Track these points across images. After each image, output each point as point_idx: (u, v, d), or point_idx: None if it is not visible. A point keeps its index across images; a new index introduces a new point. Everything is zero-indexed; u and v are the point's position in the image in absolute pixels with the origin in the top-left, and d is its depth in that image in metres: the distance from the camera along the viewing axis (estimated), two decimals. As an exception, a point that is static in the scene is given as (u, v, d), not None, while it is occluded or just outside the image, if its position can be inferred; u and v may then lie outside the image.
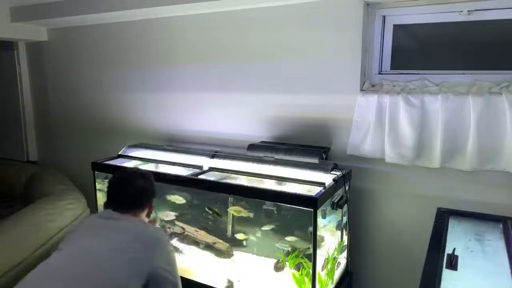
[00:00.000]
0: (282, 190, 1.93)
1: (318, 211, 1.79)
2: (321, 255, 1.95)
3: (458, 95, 1.92)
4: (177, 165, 2.39)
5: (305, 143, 2.34)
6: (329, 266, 2.01)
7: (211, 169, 2.27)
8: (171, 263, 1.60)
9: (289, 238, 2.05)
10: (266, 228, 2.10)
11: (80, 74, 3.34)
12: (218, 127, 2.69)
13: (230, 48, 2.56)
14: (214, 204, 2.26)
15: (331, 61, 2.23)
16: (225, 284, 2.14)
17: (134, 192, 1.71)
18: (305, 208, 1.81)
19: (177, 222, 2.43)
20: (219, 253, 2.28)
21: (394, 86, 2.14)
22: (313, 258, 1.83)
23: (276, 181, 2.06)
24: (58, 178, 3.19)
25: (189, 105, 2.79)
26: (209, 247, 2.33)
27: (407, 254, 2.18)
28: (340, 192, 2.05)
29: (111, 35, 3.08)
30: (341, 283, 2.13)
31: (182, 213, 2.41)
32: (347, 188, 2.07)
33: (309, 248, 1.91)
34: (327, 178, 1.94)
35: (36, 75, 3.65)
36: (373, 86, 2.22)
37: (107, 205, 1.69)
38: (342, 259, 2.21)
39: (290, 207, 1.91)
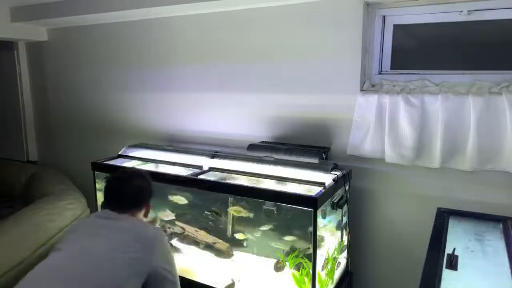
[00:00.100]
0: (282, 190, 1.93)
1: (318, 211, 1.79)
2: (321, 255, 1.95)
3: (458, 95, 1.92)
4: (177, 165, 2.39)
5: (305, 143, 2.34)
6: (329, 266, 2.01)
7: (211, 169, 2.27)
8: (170, 262, 1.61)
9: (287, 238, 2.05)
10: (265, 228, 2.11)
11: (80, 74, 3.34)
12: (218, 127, 2.69)
13: (230, 48, 2.56)
14: (214, 204, 2.27)
15: (331, 61, 2.23)
16: (229, 282, 2.14)
17: (131, 192, 1.71)
18: (305, 208, 1.81)
19: (177, 222, 2.43)
20: (219, 253, 2.29)
21: (394, 86, 2.14)
22: (313, 258, 1.83)
23: (276, 181, 2.06)
24: (58, 178, 3.19)
25: (189, 105, 2.79)
26: (209, 247, 2.33)
27: (407, 254, 2.18)
28: (340, 192, 2.05)
29: (111, 35, 3.08)
30: (341, 283, 2.13)
31: (184, 213, 2.41)
32: (347, 188, 2.07)
33: (309, 248, 1.91)
34: (327, 178, 1.94)
35: (36, 75, 3.65)
36: (373, 86, 2.22)
37: (105, 205, 1.69)
38: (342, 259, 2.21)
39: (290, 207, 1.91)
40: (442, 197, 2.05)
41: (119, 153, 2.64)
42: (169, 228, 2.46)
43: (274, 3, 2.32)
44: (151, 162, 2.53)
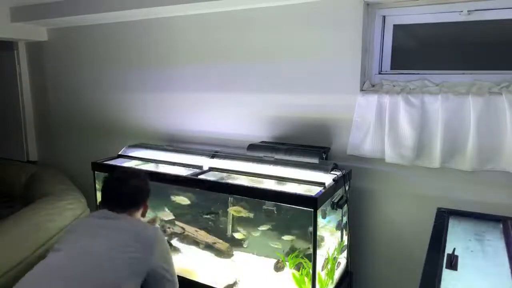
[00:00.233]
0: (282, 190, 1.93)
1: (318, 211, 1.79)
2: (321, 255, 1.95)
3: (458, 95, 1.92)
4: (177, 165, 2.39)
5: (305, 143, 2.34)
6: (329, 266, 2.01)
7: (211, 169, 2.27)
8: (169, 262, 1.62)
9: (285, 237, 2.05)
10: (263, 228, 2.11)
11: (80, 74, 3.34)
12: (218, 127, 2.69)
13: (230, 48, 2.56)
14: (214, 204, 2.27)
15: (331, 61, 2.23)
16: (230, 282, 2.14)
17: (129, 192, 1.71)
18: (305, 208, 1.81)
19: (177, 222, 2.43)
20: (219, 253, 2.29)
21: (394, 86, 2.14)
22: (313, 258, 1.83)
23: (276, 181, 2.06)
24: (58, 178, 3.19)
25: (189, 105, 2.79)
26: (209, 247, 2.33)
27: (407, 254, 2.18)
28: (340, 192, 2.05)
29: (111, 35, 3.08)
30: (341, 283, 2.13)
31: (186, 214, 2.40)
32: (347, 188, 2.07)
33: (309, 248, 1.91)
34: (327, 178, 1.94)
35: (36, 75, 3.65)
36: (373, 86, 2.22)
37: (102, 205, 1.69)
38: (342, 259, 2.21)
39: (290, 207, 1.91)
40: (442, 197, 2.05)
41: (119, 153, 2.64)
42: (169, 228, 2.46)
43: (274, 3, 2.32)
44: (151, 162, 2.53)
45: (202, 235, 2.35)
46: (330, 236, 2.09)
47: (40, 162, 3.80)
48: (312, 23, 2.26)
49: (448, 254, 1.41)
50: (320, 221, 1.94)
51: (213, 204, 2.27)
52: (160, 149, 2.60)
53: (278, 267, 2.09)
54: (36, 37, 3.39)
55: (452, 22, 2.05)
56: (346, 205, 2.09)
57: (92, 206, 2.67)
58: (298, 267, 2.00)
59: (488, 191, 1.97)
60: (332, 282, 2.06)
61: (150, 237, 1.57)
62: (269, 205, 2.01)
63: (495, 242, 1.55)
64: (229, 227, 2.29)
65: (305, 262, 1.94)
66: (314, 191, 1.86)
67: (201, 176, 2.17)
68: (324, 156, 2.18)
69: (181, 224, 2.43)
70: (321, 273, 1.93)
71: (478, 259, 1.42)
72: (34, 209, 2.55)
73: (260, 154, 2.24)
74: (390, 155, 2.08)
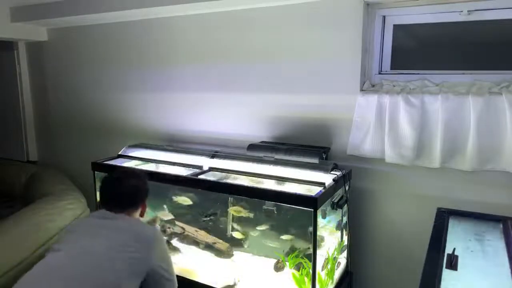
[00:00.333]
0: (282, 190, 1.93)
1: (318, 211, 1.79)
2: (321, 255, 1.95)
3: (458, 95, 1.92)
4: (177, 165, 2.39)
5: (305, 143, 2.34)
6: (329, 266, 2.01)
7: (211, 169, 2.27)
8: (168, 262, 1.62)
9: (284, 237, 2.05)
10: (262, 228, 2.11)
11: (80, 74, 3.34)
12: (218, 127, 2.69)
13: (230, 48, 2.56)
14: (215, 204, 2.27)
15: (331, 61, 2.23)
16: (231, 283, 2.14)
17: (127, 191, 1.71)
18: (305, 208, 1.81)
19: (177, 222, 2.43)
20: (219, 253, 2.29)
21: (394, 86, 2.14)
22: (313, 258, 1.83)
23: (276, 181, 2.06)
24: (58, 178, 3.19)
25: (189, 105, 2.79)
26: (209, 247, 2.33)
27: (407, 254, 2.18)
28: (340, 192, 2.05)
29: (111, 35, 3.08)
30: (341, 283, 2.13)
31: (187, 214, 2.40)
32: (347, 188, 2.07)
33: (309, 248, 1.92)
34: (327, 178, 1.94)
35: (36, 75, 3.65)
36: (373, 86, 2.22)
37: (101, 205, 1.70)
38: (342, 259, 2.21)
39: (290, 207, 1.91)
40: (442, 197, 2.05)
41: (119, 153, 2.64)
42: (169, 228, 2.46)
43: (274, 3, 2.32)
44: (151, 162, 2.53)
45: (202, 235, 2.35)
46: (330, 236, 2.09)
47: (40, 162, 3.80)
48: (312, 23, 2.26)
49: (448, 254, 1.41)
50: (320, 221, 1.94)
51: (214, 205, 2.27)
52: (160, 149, 2.60)
53: (278, 267, 2.09)
54: (36, 37, 3.39)
55: (452, 22, 2.05)
56: (346, 205, 2.09)
57: (92, 206, 2.67)
58: (298, 267, 2.00)
59: (488, 191, 1.97)
60: (332, 282, 2.06)
61: (149, 237, 1.57)
62: (269, 205, 2.01)
63: (495, 242, 1.55)
64: (229, 227, 2.29)
65: (305, 262, 1.94)
66: (314, 191, 1.86)
67: (201, 176, 2.17)
68: (324, 156, 2.18)
69: (181, 224, 2.43)
70: (321, 273, 1.93)
71: (478, 259, 1.42)
72: (34, 209, 2.55)
73: (260, 154, 2.24)
74: (390, 155, 2.08)
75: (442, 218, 1.75)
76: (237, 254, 2.26)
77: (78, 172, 3.35)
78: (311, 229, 1.83)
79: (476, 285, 1.27)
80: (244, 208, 2.13)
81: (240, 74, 2.55)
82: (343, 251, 2.21)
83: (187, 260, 2.33)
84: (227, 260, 2.26)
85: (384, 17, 2.20)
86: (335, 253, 2.09)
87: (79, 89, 3.36)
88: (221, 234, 2.31)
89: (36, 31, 3.37)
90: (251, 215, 2.13)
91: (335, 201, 2.01)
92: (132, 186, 1.72)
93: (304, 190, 1.94)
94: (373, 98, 2.11)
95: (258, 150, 2.27)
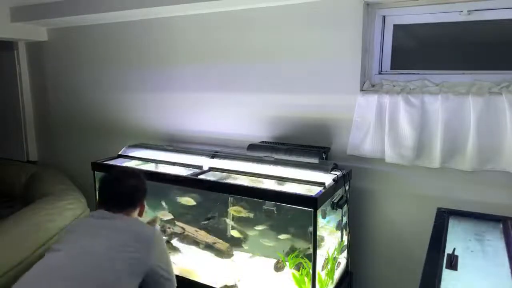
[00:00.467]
0: (282, 190, 1.93)
1: (318, 211, 1.79)
2: (321, 255, 1.95)
3: (458, 95, 1.92)
4: (177, 165, 2.39)
5: (305, 143, 2.34)
6: (329, 266, 2.02)
7: (211, 169, 2.27)
8: (167, 261, 1.62)
9: (282, 236, 2.05)
10: (262, 228, 2.10)
11: (80, 74, 3.34)
12: (218, 127, 2.69)
13: (230, 48, 2.56)
14: (216, 205, 2.26)
15: (331, 61, 2.23)
16: (231, 283, 2.14)
17: (126, 191, 1.70)
18: (305, 208, 1.81)
19: (177, 222, 2.43)
20: (219, 253, 2.29)
21: (394, 86, 2.14)
22: (313, 258, 1.83)
23: (276, 181, 2.06)
24: (58, 178, 3.19)
25: (189, 105, 2.79)
26: (209, 247, 2.33)
27: (407, 254, 2.18)
28: (340, 192, 2.05)
29: (111, 35, 3.08)
30: (341, 283, 2.13)
31: (188, 214, 2.40)
32: (347, 188, 2.07)
33: (309, 248, 1.91)
34: (327, 178, 1.94)
35: (36, 75, 3.65)
36: (373, 86, 2.22)
37: (99, 205, 1.69)
38: (342, 259, 2.21)
39: (290, 207, 1.91)
40: (442, 197, 2.05)
41: (119, 153, 2.64)
42: (169, 228, 2.46)
43: (274, 3, 2.32)
44: (151, 162, 2.53)
45: (202, 235, 2.35)
46: (330, 236, 2.09)
47: (40, 162, 3.80)
48: (312, 23, 2.26)
49: (448, 254, 1.41)
50: (320, 221, 1.94)
51: (216, 205, 2.27)
52: (160, 149, 2.60)
53: (278, 267, 2.09)
54: (36, 37, 3.39)
55: (452, 22, 2.05)
56: (346, 205, 2.09)
57: (92, 206, 2.67)
58: (298, 267, 2.00)
59: (488, 191, 1.97)
60: (332, 282, 2.06)
61: (149, 237, 1.57)
62: (269, 205, 2.01)
63: (495, 242, 1.55)
64: (229, 227, 2.29)
65: (305, 262, 1.94)
66: (314, 191, 1.86)
67: (201, 176, 2.17)
68: (324, 156, 2.18)
69: (181, 224, 2.43)
70: (321, 273, 1.93)
71: (478, 259, 1.42)
72: (34, 209, 2.55)
73: (260, 154, 2.24)
74: (390, 155, 2.08)
75: (442, 218, 1.75)
76: (237, 254, 2.26)
77: (78, 172, 3.35)
78: (311, 229, 1.83)
79: (476, 285, 1.27)
80: (244, 208, 2.13)
81: (240, 74, 2.55)
82: (343, 251, 2.21)
83: (187, 260, 2.33)
84: (227, 260, 2.25)
85: (384, 17, 2.20)
86: (335, 253, 2.09)
87: (79, 89, 3.36)
88: (221, 234, 2.31)
89: (36, 31, 3.37)
90: (251, 215, 2.13)
91: (335, 201, 2.01)
92: (131, 186, 1.72)
93: (304, 190, 1.94)
94: (373, 98, 2.11)
95: (258, 150, 2.27)
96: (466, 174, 1.98)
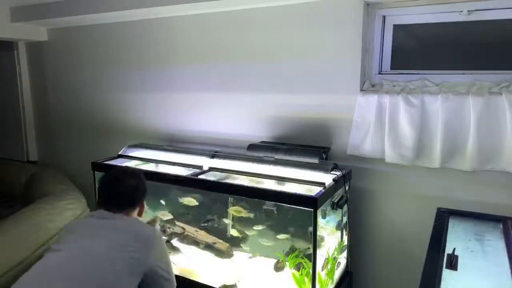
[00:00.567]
0: (282, 190, 1.93)
1: (318, 211, 1.79)
2: (321, 255, 1.95)
3: (458, 95, 1.92)
4: (177, 165, 2.39)
5: (305, 143, 2.34)
6: (329, 266, 2.02)
7: (211, 169, 2.27)
8: (166, 262, 1.62)
9: (280, 236, 2.05)
10: (261, 227, 2.10)
11: (80, 74, 3.34)
12: (218, 127, 2.69)
13: (230, 48, 2.56)
14: (218, 205, 2.26)
15: (331, 61, 2.23)
16: (230, 283, 2.14)
17: (126, 191, 1.70)
18: (305, 208, 1.81)
19: (177, 222, 2.43)
20: (219, 253, 2.29)
21: (394, 86, 2.14)
22: (313, 258, 1.83)
23: (276, 181, 2.06)
24: (58, 178, 3.19)
25: (189, 105, 2.79)
26: (209, 247, 2.33)
27: (407, 254, 2.18)
28: (340, 192, 2.05)
29: (111, 35, 3.08)
30: (341, 283, 2.13)
31: (188, 214, 2.40)
32: (347, 188, 2.07)
33: (309, 248, 1.92)
34: (327, 178, 1.94)
35: (36, 75, 3.65)
36: (373, 86, 2.22)
37: (99, 205, 1.69)
38: (342, 259, 2.21)
39: (290, 207, 1.91)
40: (442, 197, 2.05)
41: (119, 153, 2.64)
42: (169, 228, 2.46)
43: (274, 3, 2.32)
44: (151, 162, 2.53)
45: (202, 235, 2.35)
46: (330, 236, 2.09)
47: (40, 162, 3.80)
48: (312, 23, 2.26)
49: (448, 254, 1.41)
50: (320, 221, 1.94)
51: (217, 206, 2.27)
52: (160, 149, 2.60)
53: (278, 267, 2.09)
54: (36, 37, 3.39)
55: (452, 22, 2.05)
56: (346, 205, 2.09)
57: (92, 206, 2.66)
58: (298, 267, 2.00)
59: (488, 191, 1.97)
60: (332, 282, 2.06)
61: (149, 237, 1.57)
62: (269, 205, 2.01)
63: (495, 242, 1.55)
64: (229, 227, 2.29)
65: (305, 262, 1.94)
66: (314, 191, 1.86)
67: (201, 176, 2.17)
68: (324, 156, 2.18)
69: (181, 224, 2.43)
70: (321, 273, 1.93)
71: (478, 259, 1.42)
72: (34, 209, 2.55)
73: (260, 154, 2.24)
74: (390, 155, 2.08)
75: (442, 218, 1.74)
76: (237, 254, 2.26)
77: (78, 172, 3.35)
78: (311, 229, 1.83)
79: (476, 285, 1.27)
80: (244, 208, 2.13)
81: (240, 74, 2.55)
82: (343, 251, 2.21)
83: (187, 260, 2.33)
84: (227, 260, 2.25)
85: (384, 17, 2.20)
86: (335, 253, 2.09)
87: (79, 89, 3.36)
88: (221, 234, 2.31)
89: (36, 31, 3.37)
90: (251, 215, 2.12)
91: (335, 201, 2.01)
92: (131, 186, 1.72)
93: (304, 190, 1.94)
94: (373, 98, 2.11)
95: (258, 150, 2.28)
96: (466, 174, 1.98)
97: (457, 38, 2.10)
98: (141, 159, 2.57)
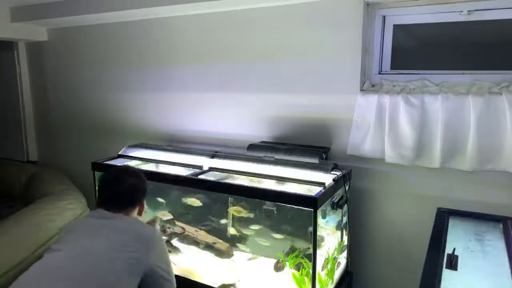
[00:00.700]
0: (282, 190, 1.93)
1: (318, 211, 1.79)
2: (321, 255, 1.95)
3: (458, 95, 1.92)
4: (177, 165, 2.39)
5: (305, 143, 2.34)
6: (329, 266, 2.02)
7: (211, 169, 2.27)
8: (166, 262, 1.62)
9: (279, 236, 2.05)
10: (260, 227, 2.10)
11: (80, 74, 3.34)
12: (218, 127, 2.69)
13: (230, 48, 2.56)
14: (216, 205, 2.26)
15: (331, 61, 2.23)
16: (230, 282, 2.14)
17: (126, 191, 1.69)
18: (305, 208, 1.81)
19: (177, 222, 2.43)
20: (219, 253, 2.29)
21: (394, 86, 2.14)
22: (313, 258, 1.83)
23: (276, 181, 2.06)
24: (58, 178, 3.19)
25: (189, 105, 2.79)
26: (209, 247, 2.33)
27: (407, 254, 2.18)
28: (340, 192, 2.05)
29: (111, 35, 3.08)
30: (341, 283, 2.13)
31: (189, 214, 2.40)
32: (347, 188, 2.07)
33: (309, 248, 1.91)
34: (327, 178, 1.94)
35: (36, 75, 3.65)
36: (373, 86, 2.22)
37: (99, 204, 1.69)
38: (342, 259, 2.21)
39: (290, 207, 1.91)
40: (442, 197, 2.05)
41: (119, 153, 2.64)
42: (169, 228, 2.46)
43: (274, 3, 2.32)
44: (151, 162, 2.53)
45: (202, 235, 2.35)
46: (330, 236, 2.09)
47: (40, 162, 3.80)
48: (312, 23, 2.26)
49: (448, 254, 1.41)
50: (320, 221, 1.94)
51: (217, 206, 2.27)
52: (160, 149, 2.60)
53: (278, 267, 2.09)
54: (36, 37, 3.39)
55: (452, 22, 2.05)
56: (346, 205, 2.09)
57: (92, 206, 2.65)
58: (298, 267, 2.00)
59: (488, 191, 1.97)
60: (332, 282, 2.06)
61: (149, 237, 1.57)
62: (269, 205, 2.01)
63: (495, 242, 1.55)
64: (229, 227, 2.29)
65: (305, 262, 1.94)
66: (314, 191, 1.86)
67: (201, 176, 2.17)
68: (324, 156, 2.18)
69: (181, 224, 2.43)
70: (321, 273, 1.93)
71: (478, 259, 1.42)
72: (34, 209, 2.55)
73: (260, 154, 2.24)
74: (390, 155, 2.08)
75: (442, 218, 1.74)
76: (237, 254, 2.26)
77: (78, 172, 3.35)
78: (311, 229, 1.83)
79: (476, 285, 1.27)
80: (244, 208, 2.13)
81: (240, 74, 2.55)
82: (343, 251, 2.21)
83: (187, 260, 2.33)
84: (227, 260, 2.25)
85: (384, 17, 2.20)
86: (335, 253, 2.09)
87: (79, 89, 3.36)
88: (221, 234, 2.31)
89: (36, 31, 3.37)
90: (251, 215, 2.12)
91: (335, 201, 2.01)
92: (131, 186, 1.71)
93: (304, 190, 1.94)
94: (373, 98, 2.11)
95: (258, 150, 2.27)
96: (466, 174, 1.98)
97: (457, 38, 2.10)
98: (141, 159, 2.57)
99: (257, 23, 2.43)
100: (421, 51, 2.23)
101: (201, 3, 2.36)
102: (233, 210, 2.18)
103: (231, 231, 2.27)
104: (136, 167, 2.45)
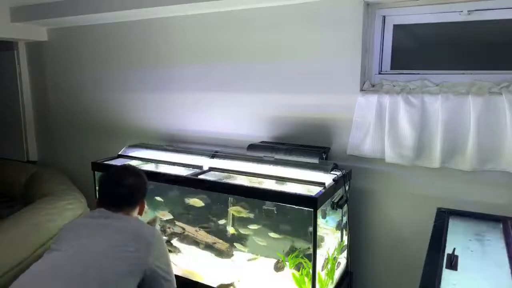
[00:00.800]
0: (282, 190, 1.93)
1: (318, 211, 1.79)
2: (321, 255, 1.95)
3: (458, 95, 1.92)
4: (177, 165, 2.39)
5: (305, 143, 2.34)
6: (329, 266, 2.02)
7: (211, 169, 2.27)
8: (167, 262, 1.61)
9: (282, 236, 2.05)
10: (260, 227, 2.10)
11: (80, 74, 3.34)
12: (218, 127, 2.69)
13: (230, 48, 2.56)
14: (218, 205, 2.26)
15: (331, 61, 2.23)
16: (228, 282, 2.14)
17: (126, 190, 1.69)
18: (305, 208, 1.81)
19: (177, 222, 2.43)
20: (219, 253, 2.29)
21: (394, 86, 2.14)
22: (313, 258, 1.83)
23: (276, 181, 2.06)
24: (58, 178, 3.19)
25: (189, 105, 2.79)
26: (209, 247, 2.33)
27: (407, 254, 2.18)
28: (340, 192, 2.05)
29: (111, 35, 3.08)
30: (341, 283, 2.13)
31: (189, 214, 2.39)
32: (347, 188, 2.07)
33: (309, 248, 1.91)
34: (327, 178, 1.94)
35: (36, 75, 3.65)
36: (373, 86, 2.22)
37: (99, 204, 1.68)
38: (342, 259, 2.21)
39: (290, 207, 1.91)
40: (442, 197, 2.05)
41: (119, 153, 2.64)
42: (169, 228, 2.46)
43: (274, 3, 2.32)
44: (151, 162, 2.53)
45: (202, 235, 2.35)
46: (330, 236, 2.09)
47: (40, 162, 3.80)
48: (312, 23, 2.26)
49: (448, 254, 1.41)
50: (320, 221, 1.94)
51: (218, 206, 2.26)
52: (160, 149, 2.60)
53: (278, 267, 2.09)
54: (36, 37, 3.39)
55: (452, 22, 2.05)
56: (346, 205, 2.09)
57: (92, 206, 2.66)
58: (298, 267, 2.00)
59: (488, 191, 1.97)
60: (332, 282, 2.06)
61: (149, 237, 1.57)
62: (269, 205, 2.01)
63: (495, 242, 1.55)
64: (229, 228, 2.29)
65: (305, 262, 1.94)
66: (314, 191, 1.86)
67: (201, 176, 2.17)
68: (324, 156, 2.18)
69: (181, 224, 2.43)
70: (321, 273, 1.93)
71: (478, 259, 1.42)
72: (34, 209, 2.55)
73: (260, 154, 2.24)
74: (390, 155, 2.08)
75: (442, 218, 1.74)
76: (237, 254, 2.26)
77: (78, 172, 3.35)
78: (311, 229, 1.83)
79: (476, 285, 1.27)
80: (244, 208, 2.13)
81: (240, 74, 2.55)
82: (343, 251, 2.21)
83: (187, 260, 2.33)
84: (227, 260, 2.25)
85: (384, 17, 2.20)
86: (335, 253, 2.09)
87: (79, 89, 3.36)
88: (221, 234, 2.31)
89: (36, 31, 3.37)
90: (251, 215, 2.12)
91: (335, 201, 2.01)
92: (131, 185, 1.71)
93: (304, 190, 1.94)
94: (373, 98, 2.11)
95: (258, 150, 2.27)
96: (466, 174, 1.98)
97: (457, 38, 2.10)
98: (141, 159, 2.57)
99: (257, 23, 2.43)
100: (421, 51, 2.23)
101: (200, 3, 2.36)
102: (233, 210, 2.18)
103: (231, 231, 2.27)
104: (136, 166, 2.46)
